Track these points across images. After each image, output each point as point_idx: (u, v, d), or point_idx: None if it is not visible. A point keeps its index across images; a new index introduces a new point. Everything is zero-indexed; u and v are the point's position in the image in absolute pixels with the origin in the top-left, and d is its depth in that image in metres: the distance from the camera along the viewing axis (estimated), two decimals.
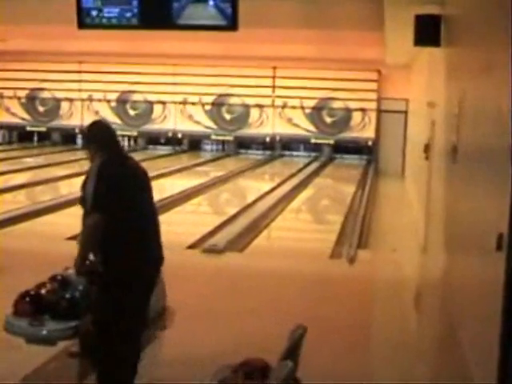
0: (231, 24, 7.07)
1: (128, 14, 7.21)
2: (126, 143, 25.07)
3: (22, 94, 25.12)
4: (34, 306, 5.20)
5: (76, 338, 5.25)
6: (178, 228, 11.92)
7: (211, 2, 7.03)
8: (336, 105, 23.37)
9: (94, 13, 7.30)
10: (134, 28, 7.35)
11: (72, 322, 5.14)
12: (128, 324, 4.95)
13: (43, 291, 5.33)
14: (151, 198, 5.16)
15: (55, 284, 5.46)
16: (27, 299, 5.24)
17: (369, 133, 23.14)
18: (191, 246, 10.13)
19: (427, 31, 9.75)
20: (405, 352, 6.30)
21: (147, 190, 5.12)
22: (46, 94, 25.01)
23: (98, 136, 5.04)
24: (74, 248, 5.11)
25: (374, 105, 22.95)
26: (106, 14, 7.27)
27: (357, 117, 23.26)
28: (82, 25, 7.46)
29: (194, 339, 6.43)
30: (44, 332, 5.13)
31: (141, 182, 5.10)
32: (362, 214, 13.26)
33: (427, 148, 11.33)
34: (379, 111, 22.99)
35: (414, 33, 9.82)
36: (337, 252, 10.34)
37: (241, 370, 4.00)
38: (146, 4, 7.14)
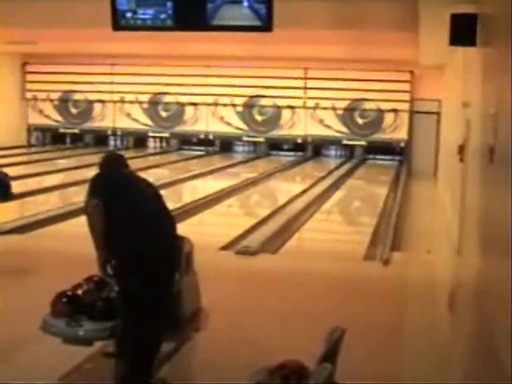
0: (266, 25, 7.06)
1: (162, 16, 7.22)
2: (158, 144, 25.16)
3: (55, 96, 25.28)
4: (71, 306, 5.21)
5: (112, 338, 5.26)
6: (210, 229, 11.95)
7: (246, 3, 7.02)
8: (368, 106, 23.26)
9: (129, 15, 7.32)
10: (168, 29, 7.36)
11: (108, 322, 5.15)
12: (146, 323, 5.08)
13: (80, 292, 5.35)
14: (154, 205, 5.35)
15: (91, 285, 5.47)
16: (64, 300, 5.25)
17: (401, 134, 23.02)
18: (224, 248, 10.11)
19: (463, 31, 9.65)
20: (440, 353, 6.23)
21: (148, 199, 5.34)
22: (78, 96, 25.16)
23: (105, 161, 5.65)
24: None
25: (406, 106, 22.81)
26: (140, 16, 7.29)
27: (389, 118, 23.14)
28: (116, 27, 7.49)
29: (229, 341, 6.42)
30: (81, 332, 5.14)
31: (137, 189, 5.39)
32: (395, 216, 13.17)
33: (461, 149, 11.21)
34: (412, 112, 22.84)
35: (450, 32, 9.72)
36: (370, 254, 10.28)
37: (278, 373, 3.97)
38: (180, 5, 7.14)
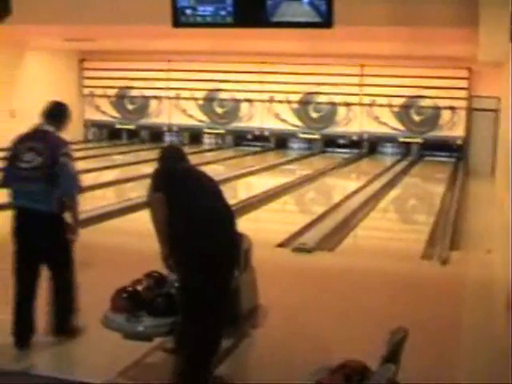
0: (326, 21, 7.02)
1: (222, 13, 7.22)
2: (213, 141, 25.24)
3: (112, 92, 25.51)
4: (132, 302, 5.25)
5: (172, 334, 5.28)
6: (266, 226, 11.94)
7: (306, 0, 6.97)
8: (425, 103, 23.02)
9: (189, 11, 7.33)
10: (228, 26, 7.36)
11: (168, 318, 5.17)
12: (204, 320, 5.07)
13: (140, 287, 5.39)
14: (214, 200, 5.36)
15: (151, 281, 5.51)
16: (124, 295, 5.29)
17: (458, 131, 22.72)
18: (281, 245, 10.10)
19: None
20: (500, 354, 6.14)
21: (207, 194, 5.36)
22: (134, 93, 25.35)
23: (164, 154, 5.73)
24: None
25: (463, 103, 22.53)
26: (200, 13, 7.30)
27: (446, 115, 22.87)
28: (176, 23, 7.51)
29: (287, 337, 6.41)
30: (141, 328, 5.17)
31: (197, 184, 5.42)
32: (453, 214, 13.02)
33: None
34: (469, 109, 22.55)
35: (511, 29, 9.58)
36: (428, 253, 10.18)
37: (339, 372, 3.94)
38: (240, 2, 7.12)
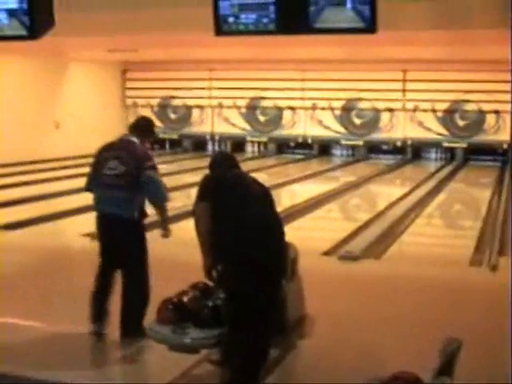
0: (370, 26, 6.91)
1: (265, 20, 7.15)
2: (256, 149, 25.23)
3: (155, 102, 25.62)
4: (178, 313, 5.20)
5: (218, 346, 5.22)
6: (311, 234, 11.85)
7: (349, 5, 6.89)
8: (469, 107, 22.77)
9: (231, 19, 7.29)
10: (271, 34, 7.29)
11: (215, 330, 5.11)
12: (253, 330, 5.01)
13: (185, 299, 5.34)
14: (264, 208, 5.29)
15: (197, 292, 5.46)
16: (170, 307, 5.25)
17: (504, 135, 22.41)
18: (327, 253, 10.01)
19: None
20: None
21: (257, 201, 5.26)
22: (177, 102, 25.43)
23: (215, 161, 5.70)
24: None
25: (508, 106, 22.20)
26: (243, 21, 7.25)
27: (491, 119, 22.60)
28: (219, 32, 7.45)
29: (335, 347, 6.32)
30: (187, 340, 5.12)
31: (246, 191, 5.31)
32: (500, 220, 12.82)
33: None
34: None
35: None
36: (476, 259, 10.02)
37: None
38: (282, 9, 7.06)
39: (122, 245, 6.25)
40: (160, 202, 6.29)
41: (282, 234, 5.25)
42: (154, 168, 6.21)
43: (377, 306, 7.64)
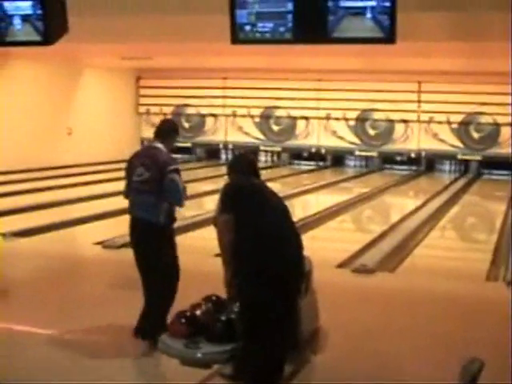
0: (389, 36, 6.80)
1: (282, 29, 7.05)
2: (269, 158, 25.14)
3: (168, 110, 25.57)
4: (190, 327, 5.09)
5: (232, 361, 5.11)
6: (325, 245, 11.72)
7: (369, 14, 6.78)
8: (484, 119, 22.64)
9: (248, 28, 7.19)
10: (287, 43, 7.18)
11: (228, 345, 5.00)
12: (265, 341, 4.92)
13: (198, 312, 5.23)
14: (282, 218, 5.21)
15: (209, 305, 5.35)
16: (183, 320, 5.14)
17: None
18: (340, 265, 9.89)
19: None
20: None
21: (275, 211, 5.19)
22: (191, 110, 25.36)
23: (234, 163, 5.62)
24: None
25: None
26: (259, 29, 7.15)
27: (506, 132, 22.44)
28: (235, 40, 7.36)
29: (349, 362, 6.21)
30: (199, 355, 5.00)
31: (264, 200, 5.22)
32: None
33: None
34: None
35: None
36: (493, 273, 9.89)
37: None
38: (300, 18, 6.96)
39: (149, 248, 6.38)
40: (176, 204, 6.41)
41: (299, 243, 5.15)
42: (176, 171, 6.36)
43: (391, 319, 7.53)
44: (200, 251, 10.14)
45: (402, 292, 8.77)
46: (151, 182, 6.31)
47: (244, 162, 5.58)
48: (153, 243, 6.34)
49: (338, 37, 6.91)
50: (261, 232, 4.97)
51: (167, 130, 6.68)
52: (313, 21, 6.89)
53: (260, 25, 7.12)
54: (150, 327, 6.17)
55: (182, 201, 6.38)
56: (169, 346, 5.10)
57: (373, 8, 6.75)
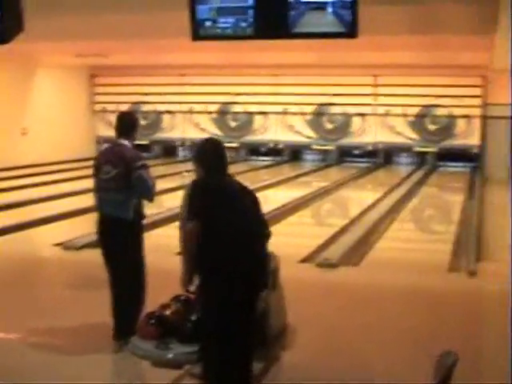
0: (351, 31, 6.81)
1: (243, 24, 7.02)
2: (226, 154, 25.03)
3: (124, 107, 25.30)
4: (160, 328, 5.04)
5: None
6: (287, 241, 11.67)
7: (330, 9, 6.77)
8: (440, 112, 22.79)
9: (209, 24, 7.14)
10: (249, 38, 7.17)
11: (198, 345, 4.95)
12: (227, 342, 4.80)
13: (168, 313, 5.18)
14: (250, 216, 5.05)
15: (179, 305, 5.30)
16: (153, 321, 5.09)
17: (474, 140, 22.47)
18: (304, 260, 9.88)
19: None
20: None
21: (241, 209, 5.02)
22: (147, 107, 25.17)
23: (201, 155, 5.22)
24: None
25: (478, 111, 22.27)
26: (220, 25, 7.11)
27: (461, 124, 22.63)
28: (196, 37, 7.32)
29: (319, 360, 6.18)
30: (170, 355, 4.96)
31: (230, 198, 5.05)
32: (475, 224, 12.79)
33: None
34: (484, 117, 22.29)
35: None
36: (455, 264, 9.97)
37: None
38: (262, 13, 6.93)
39: (117, 245, 6.35)
40: (146, 199, 6.41)
41: (264, 239, 5.06)
42: (144, 167, 6.33)
43: (357, 314, 7.55)
44: (162, 249, 10.05)
45: (367, 286, 8.77)
46: (118, 179, 6.27)
47: (213, 147, 5.28)
48: (121, 240, 6.31)
49: (300, 32, 6.90)
50: (226, 230, 4.85)
51: (128, 124, 6.66)
52: (274, 16, 6.88)
53: (221, 20, 7.08)
54: (124, 327, 6.09)
55: (152, 196, 6.38)
56: (139, 348, 5.06)
57: (334, 3, 6.75)
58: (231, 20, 7.05)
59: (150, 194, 6.33)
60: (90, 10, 11.33)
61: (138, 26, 11.72)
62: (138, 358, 5.16)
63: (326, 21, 6.79)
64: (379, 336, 6.83)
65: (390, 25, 11.45)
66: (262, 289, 5.09)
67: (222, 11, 7.08)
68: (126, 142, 6.47)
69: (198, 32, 7.25)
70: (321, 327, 6.99)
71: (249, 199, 5.11)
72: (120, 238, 6.32)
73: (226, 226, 4.83)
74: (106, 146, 6.90)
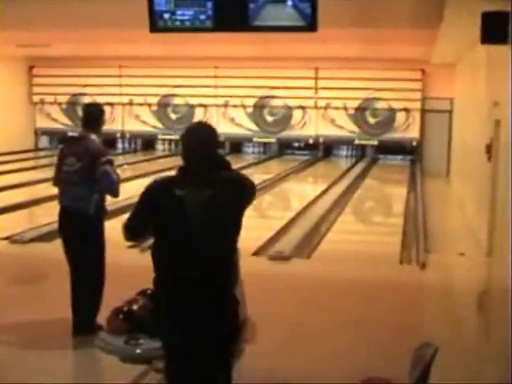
0: (310, 25, 6.82)
1: (202, 17, 6.98)
2: (166, 147, 24.89)
3: (63, 99, 25.01)
4: (128, 323, 5.00)
5: None
6: None
7: (290, 2, 6.78)
8: (379, 105, 23.00)
9: (167, 16, 7.08)
10: (208, 31, 7.13)
11: None
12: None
13: (135, 307, 5.14)
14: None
15: (145, 299, 5.26)
16: (121, 316, 5.04)
17: (413, 133, 22.74)
18: (256, 253, 9.89)
19: (494, 29, 9.44)
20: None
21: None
22: (87, 99, 24.80)
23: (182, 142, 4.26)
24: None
25: (418, 104, 22.54)
26: (179, 17, 7.05)
27: (401, 117, 22.88)
28: (154, 28, 7.26)
29: (278, 352, 6.20)
30: (139, 351, 4.92)
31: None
32: (421, 216, 12.97)
33: (489, 148, 11.01)
34: (423, 111, 22.58)
35: (481, 30, 9.48)
36: (405, 256, 10.11)
37: None
38: (221, 6, 6.89)
39: (77, 239, 6.27)
40: (110, 194, 6.33)
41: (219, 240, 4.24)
42: (109, 163, 6.24)
43: (313, 308, 7.58)
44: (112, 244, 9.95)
45: (321, 278, 8.83)
46: (82, 173, 6.21)
47: (198, 130, 4.26)
48: (82, 234, 6.24)
49: (259, 25, 6.88)
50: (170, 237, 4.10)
51: (94, 116, 6.54)
52: (233, 9, 6.85)
53: (179, 13, 7.02)
54: (85, 321, 6.03)
55: (117, 191, 6.32)
56: (108, 343, 5.01)
57: None
58: (190, 12, 7.00)
59: (114, 189, 6.27)
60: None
61: (74, 16, 11.59)
62: (106, 354, 5.09)
63: (285, 14, 6.79)
64: (337, 330, 6.87)
65: (332, 18, 11.50)
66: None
67: (181, 3, 7.02)
68: (92, 136, 6.38)
69: (157, 24, 7.18)
70: (279, 320, 7.01)
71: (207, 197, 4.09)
72: (81, 231, 6.24)
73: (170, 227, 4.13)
74: (71, 136, 6.85)
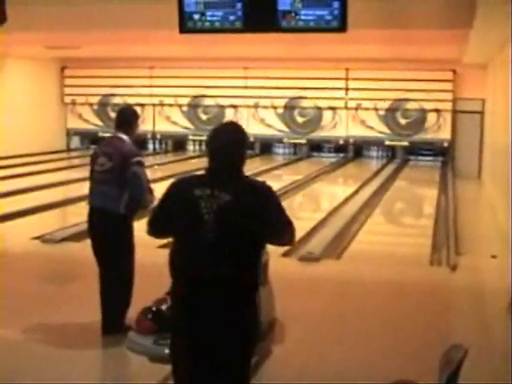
0: (340, 25, 6.80)
1: (232, 18, 6.98)
2: (198, 147, 24.92)
3: (94, 100, 25.15)
4: (157, 323, 5.00)
5: None
6: None
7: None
8: (410, 106, 22.88)
9: (197, 17, 7.09)
10: (237, 32, 7.13)
11: None
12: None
13: (164, 307, 5.14)
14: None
15: None
16: (149, 316, 5.05)
17: (444, 134, 22.59)
18: (285, 254, 9.86)
19: None
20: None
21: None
22: (117, 100, 24.92)
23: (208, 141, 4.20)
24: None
25: (449, 105, 22.40)
26: (208, 18, 7.06)
27: (432, 118, 22.75)
28: (183, 29, 7.26)
29: (307, 354, 6.19)
30: (167, 351, 4.91)
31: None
32: (452, 218, 12.88)
33: None
34: (454, 112, 22.43)
35: None
36: (435, 258, 10.06)
37: None
38: (250, 7, 6.89)
39: (106, 239, 6.33)
40: (136, 198, 6.29)
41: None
42: (140, 164, 6.31)
43: (342, 308, 7.57)
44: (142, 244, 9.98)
45: (351, 279, 8.82)
46: (113, 172, 6.26)
47: (225, 132, 4.16)
48: (112, 233, 6.27)
49: (289, 26, 6.87)
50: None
51: (127, 118, 6.62)
52: (263, 10, 6.83)
53: (209, 13, 7.03)
54: (114, 321, 6.08)
55: (144, 198, 6.28)
56: (137, 344, 5.02)
57: None
58: (219, 13, 7.00)
59: (141, 194, 6.28)
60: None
61: (103, 18, 11.62)
62: (135, 354, 5.10)
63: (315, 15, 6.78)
64: (365, 329, 6.86)
65: (362, 18, 11.46)
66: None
67: (210, 4, 7.03)
68: (124, 137, 6.44)
69: (186, 25, 7.19)
70: (309, 321, 7.00)
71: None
72: (110, 231, 6.28)
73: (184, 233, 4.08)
74: (103, 137, 6.93)
